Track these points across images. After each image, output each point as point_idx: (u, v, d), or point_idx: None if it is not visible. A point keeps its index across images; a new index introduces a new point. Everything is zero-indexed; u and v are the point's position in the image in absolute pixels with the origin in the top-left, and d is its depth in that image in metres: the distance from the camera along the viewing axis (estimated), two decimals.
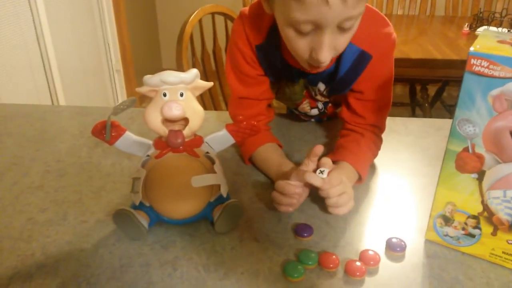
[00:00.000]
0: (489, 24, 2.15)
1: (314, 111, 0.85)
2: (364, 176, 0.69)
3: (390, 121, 0.77)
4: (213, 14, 1.37)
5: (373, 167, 0.75)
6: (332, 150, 0.74)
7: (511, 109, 0.45)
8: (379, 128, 0.76)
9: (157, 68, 3.60)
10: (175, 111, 0.53)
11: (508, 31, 2.06)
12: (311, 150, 0.61)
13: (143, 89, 0.56)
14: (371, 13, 0.69)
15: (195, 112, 0.56)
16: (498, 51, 0.45)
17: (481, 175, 0.50)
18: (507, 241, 0.52)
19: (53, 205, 0.65)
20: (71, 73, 2.23)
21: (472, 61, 0.45)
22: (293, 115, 0.93)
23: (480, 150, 0.49)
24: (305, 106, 0.84)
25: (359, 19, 0.58)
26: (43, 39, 1.98)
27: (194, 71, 0.56)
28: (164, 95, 0.54)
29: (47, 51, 2.02)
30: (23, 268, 0.53)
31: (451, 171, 0.52)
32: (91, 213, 0.63)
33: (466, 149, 0.50)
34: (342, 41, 0.59)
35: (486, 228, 0.53)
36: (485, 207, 0.51)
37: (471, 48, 0.46)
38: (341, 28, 0.57)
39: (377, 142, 0.76)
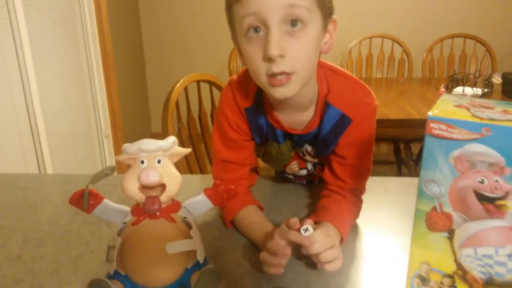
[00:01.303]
0: (464, 85, 2.25)
1: (303, 172, 0.87)
2: (345, 237, 0.69)
3: (369, 181, 0.79)
4: (198, 81, 1.43)
5: (353, 227, 0.76)
6: (314, 211, 0.75)
7: (472, 169, 0.48)
8: (360, 191, 0.78)
9: (146, 133, 3.65)
10: (152, 178, 0.55)
11: (482, 91, 2.16)
12: (288, 222, 0.62)
13: (121, 157, 0.58)
14: (354, 82, 0.74)
15: (172, 178, 0.57)
16: (455, 115, 0.48)
17: (451, 233, 0.51)
18: None
19: (29, 276, 0.64)
20: (59, 139, 2.25)
21: (431, 124, 0.48)
22: (280, 177, 0.95)
23: (448, 209, 0.50)
24: (293, 166, 0.86)
25: (309, 28, 0.61)
26: (31, 105, 2.01)
27: (172, 139, 0.59)
28: (142, 162, 0.56)
29: (35, 117, 2.04)
30: None
31: (422, 230, 0.53)
32: (67, 284, 0.62)
33: (434, 208, 0.51)
34: (294, 47, 0.60)
35: (462, 287, 0.53)
36: (459, 266, 0.52)
37: (430, 113, 0.49)
38: (289, 31, 0.59)
39: (358, 204, 0.77)
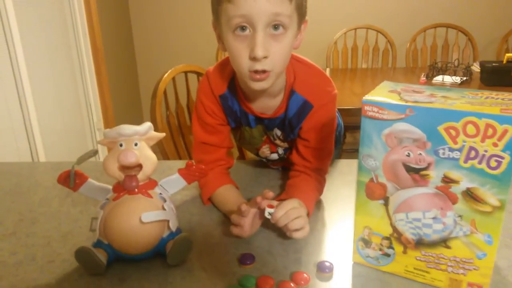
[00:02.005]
0: (444, 73, 2.33)
1: (274, 156, 0.95)
2: (311, 211, 0.78)
3: (336, 163, 0.87)
4: (186, 72, 1.50)
5: (317, 202, 0.84)
6: (282, 189, 0.84)
7: (400, 145, 0.56)
8: (323, 171, 0.86)
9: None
10: (129, 158, 0.63)
11: (461, 79, 2.24)
12: (264, 193, 0.71)
13: (103, 142, 0.65)
14: (317, 71, 0.83)
15: (148, 159, 0.65)
16: (386, 98, 0.56)
17: (386, 200, 0.59)
18: (415, 257, 0.60)
19: (23, 249, 0.71)
20: (52, 133, 2.31)
21: (366, 107, 0.56)
22: (257, 163, 1.03)
23: (383, 179, 0.59)
24: (265, 150, 0.94)
25: (288, 32, 0.70)
26: (24, 100, 2.07)
27: (147, 124, 0.66)
28: (121, 145, 0.64)
29: (28, 112, 2.11)
30: None
31: (363, 199, 0.61)
32: (58, 254, 0.70)
33: (371, 180, 0.59)
34: (276, 49, 0.69)
35: (398, 248, 0.61)
36: (394, 229, 0.60)
37: (364, 97, 0.57)
38: (272, 35, 0.68)
39: (322, 182, 0.86)
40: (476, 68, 2.47)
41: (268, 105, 0.83)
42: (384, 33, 2.90)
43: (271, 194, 0.71)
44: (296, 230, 0.69)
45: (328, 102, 0.82)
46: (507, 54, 2.22)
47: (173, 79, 1.47)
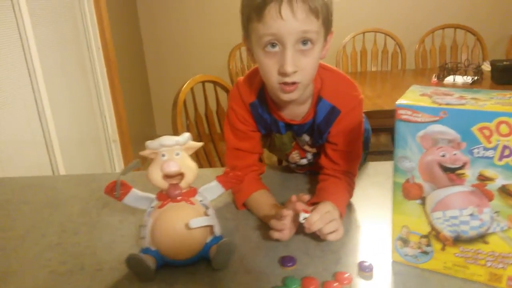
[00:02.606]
0: (455, 74, 2.35)
1: (303, 161, 0.98)
2: (343, 213, 0.80)
3: (362, 166, 0.90)
4: (203, 82, 1.54)
5: (348, 205, 0.86)
6: (313, 194, 0.86)
7: (435, 146, 0.58)
8: (352, 174, 0.89)
9: (151, 135, 3.76)
10: (172, 168, 0.66)
11: (472, 79, 2.26)
12: (299, 195, 0.74)
13: (145, 152, 0.68)
14: (343, 77, 0.87)
15: (189, 168, 0.68)
16: (418, 101, 0.59)
17: (423, 200, 0.62)
18: (454, 254, 0.63)
19: (71, 258, 0.74)
20: (70, 146, 2.36)
21: (399, 111, 0.59)
22: (283, 168, 1.06)
23: (419, 180, 0.61)
24: (294, 156, 0.97)
25: (315, 46, 0.73)
26: (44, 116, 2.13)
27: (187, 135, 0.69)
28: (163, 155, 0.67)
29: (48, 126, 2.16)
30: None
31: (400, 199, 0.64)
32: (105, 262, 0.73)
33: (407, 180, 0.62)
34: (305, 63, 0.73)
35: (436, 245, 0.63)
36: (432, 227, 0.63)
37: (397, 101, 0.59)
38: (300, 50, 0.72)
39: (351, 185, 0.88)
40: (486, 67, 2.48)
41: (297, 112, 0.86)
42: (393, 35, 2.92)
43: (306, 197, 0.74)
44: (331, 233, 0.71)
45: (355, 107, 0.84)
46: None
47: (192, 89, 1.51)
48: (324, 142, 0.88)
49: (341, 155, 0.86)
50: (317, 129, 0.86)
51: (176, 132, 1.42)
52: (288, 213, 0.73)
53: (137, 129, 3.36)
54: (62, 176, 1.12)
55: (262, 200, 0.85)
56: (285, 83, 0.74)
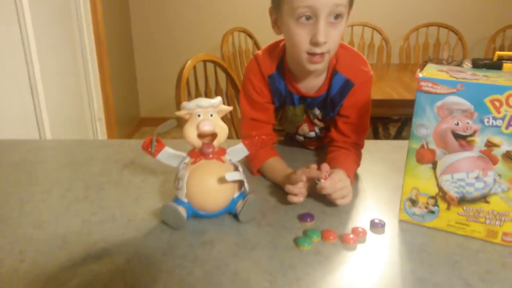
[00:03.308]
0: None
1: (312, 134, 1.05)
2: (352, 181, 0.88)
3: (365, 143, 0.97)
4: (205, 61, 1.58)
5: (355, 175, 0.94)
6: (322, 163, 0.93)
7: (450, 115, 0.66)
8: (360, 146, 0.96)
9: (135, 117, 3.76)
10: (207, 127, 0.71)
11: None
12: (322, 165, 0.79)
13: (181, 113, 0.73)
14: (356, 54, 0.94)
15: (222, 128, 0.73)
16: (438, 76, 0.66)
17: (434, 164, 0.70)
18: (457, 213, 0.71)
19: (101, 210, 0.79)
20: (58, 122, 2.36)
21: (421, 83, 0.66)
22: (292, 143, 1.12)
23: (432, 146, 0.69)
24: (304, 128, 1.03)
25: (344, 18, 0.80)
26: (36, 91, 2.13)
27: (219, 98, 0.75)
28: (199, 115, 0.72)
29: (39, 101, 2.16)
30: (90, 253, 0.67)
31: (413, 164, 0.71)
32: (135, 214, 0.78)
33: (422, 146, 0.69)
34: (333, 35, 0.80)
35: (442, 205, 0.71)
36: (440, 189, 0.71)
37: (420, 75, 0.66)
38: (331, 22, 0.78)
39: (359, 156, 0.96)
40: (467, 65, 2.61)
41: (313, 85, 0.92)
42: (380, 30, 3.03)
43: (328, 167, 0.80)
44: (340, 198, 0.78)
45: (367, 81, 0.92)
46: (497, 52, 2.36)
47: (194, 67, 1.55)
48: (335, 115, 0.95)
49: (351, 128, 0.93)
50: (330, 102, 0.93)
51: (179, 108, 1.46)
52: (302, 178, 0.78)
53: (122, 109, 3.35)
54: (75, 140, 1.14)
55: (276, 165, 0.91)
56: (314, 54, 0.80)
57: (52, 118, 2.26)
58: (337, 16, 0.79)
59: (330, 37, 0.79)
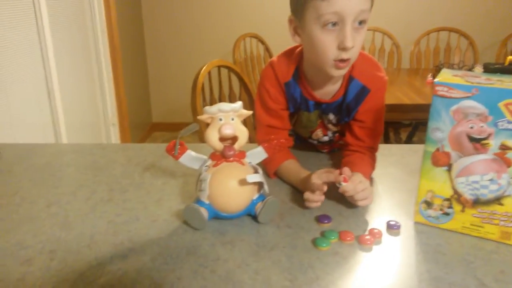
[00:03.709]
0: None
1: (325, 138, 1.07)
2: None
3: (379, 147, 1.00)
4: (219, 67, 1.61)
5: (370, 178, 0.96)
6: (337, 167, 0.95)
7: (465, 119, 0.68)
8: (374, 149, 0.98)
9: (148, 123, 3.80)
10: (229, 130, 0.74)
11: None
12: (344, 170, 0.80)
13: (203, 117, 0.76)
14: (370, 59, 0.96)
15: (242, 132, 0.76)
16: (453, 80, 0.68)
17: (449, 167, 0.71)
18: (472, 215, 0.72)
19: (125, 211, 0.82)
20: (73, 127, 2.41)
21: (437, 87, 0.68)
22: (306, 146, 1.14)
23: (447, 149, 0.71)
24: (318, 133, 1.06)
25: (366, 22, 0.82)
26: (54, 99, 2.18)
27: (240, 103, 0.77)
28: (220, 119, 0.75)
29: (56, 107, 2.21)
30: (117, 252, 0.69)
31: (429, 167, 0.73)
32: (158, 215, 0.80)
33: (437, 149, 0.71)
34: (358, 40, 0.81)
35: (457, 207, 0.73)
36: (455, 191, 0.72)
37: (436, 79, 0.69)
38: (356, 28, 0.80)
39: (374, 159, 0.98)
40: (478, 69, 2.61)
41: (328, 91, 0.95)
42: (390, 35, 3.04)
43: (349, 171, 0.81)
44: (362, 200, 0.80)
45: (382, 87, 0.94)
46: (509, 57, 2.37)
47: (209, 73, 1.58)
48: (349, 120, 0.97)
49: (366, 132, 0.95)
50: (346, 107, 0.95)
51: (194, 111, 1.50)
52: (323, 188, 0.79)
53: (135, 114, 3.40)
54: (95, 144, 1.18)
55: (292, 168, 0.93)
56: (341, 60, 0.82)
57: (68, 123, 2.31)
58: (361, 22, 0.81)
59: (356, 42, 0.81)
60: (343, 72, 0.85)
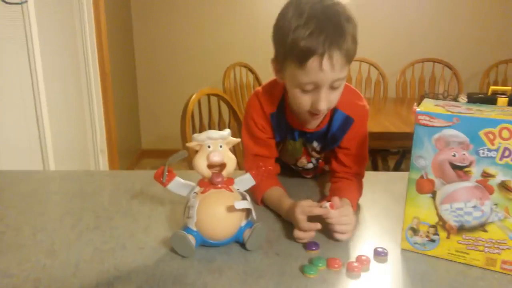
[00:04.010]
0: None
1: (310, 165, 1.08)
2: (355, 209, 0.91)
3: (365, 174, 1.01)
4: (208, 95, 1.64)
5: (358, 203, 0.97)
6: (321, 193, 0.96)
7: (447, 147, 0.70)
8: (361, 175, 1.00)
9: (137, 150, 3.79)
10: (217, 158, 0.75)
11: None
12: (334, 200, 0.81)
13: (192, 144, 0.77)
14: (352, 89, 0.98)
15: (231, 159, 0.77)
16: (435, 110, 0.70)
17: (434, 194, 0.73)
18: (457, 241, 0.73)
19: (111, 239, 0.81)
20: (61, 153, 2.39)
21: (419, 117, 0.70)
22: (293, 174, 1.15)
23: (431, 176, 0.72)
24: (303, 160, 1.07)
25: (343, 81, 0.85)
26: (42, 125, 2.17)
27: (228, 130, 0.79)
28: (209, 146, 0.76)
29: (44, 133, 2.20)
30: (102, 280, 0.69)
31: (413, 194, 0.74)
32: (145, 243, 0.80)
33: (421, 177, 0.73)
34: (333, 97, 0.85)
35: (442, 234, 0.74)
36: (440, 218, 0.74)
37: (418, 109, 0.71)
38: (332, 87, 0.83)
39: (361, 185, 0.99)
40: (462, 99, 2.68)
41: (313, 122, 0.96)
42: (376, 65, 3.11)
43: (338, 201, 0.82)
44: (342, 233, 0.80)
45: (365, 115, 0.96)
46: (492, 87, 2.43)
47: (199, 101, 1.60)
48: (334, 147, 0.99)
49: (352, 159, 0.97)
50: (331, 137, 0.97)
51: (184, 141, 1.50)
52: (316, 227, 0.78)
53: (124, 141, 3.40)
54: (85, 171, 1.17)
55: (276, 196, 0.93)
56: (316, 114, 0.86)
57: (56, 149, 2.29)
58: (335, 87, 0.84)
59: (331, 100, 0.85)
60: (320, 120, 0.89)
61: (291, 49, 0.81)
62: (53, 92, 2.27)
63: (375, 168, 3.03)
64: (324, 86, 0.81)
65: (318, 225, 0.79)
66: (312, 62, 0.79)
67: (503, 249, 0.70)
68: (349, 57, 0.81)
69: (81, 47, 2.71)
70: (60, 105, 2.41)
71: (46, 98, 2.17)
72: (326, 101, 0.83)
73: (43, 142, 2.21)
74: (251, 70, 3.03)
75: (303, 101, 0.85)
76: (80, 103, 2.74)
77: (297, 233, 0.80)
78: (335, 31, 0.78)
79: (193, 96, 1.55)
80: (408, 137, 0.73)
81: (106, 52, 2.90)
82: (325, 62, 0.78)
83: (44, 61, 2.14)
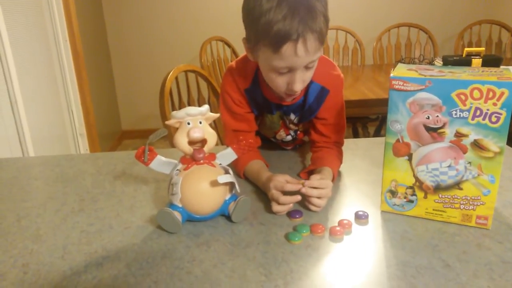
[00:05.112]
0: None
1: (288, 137, 1.09)
2: (336, 176, 0.93)
3: (345, 142, 1.03)
4: (186, 71, 1.62)
5: (338, 171, 0.99)
6: (302, 164, 0.98)
7: (421, 110, 0.71)
8: (340, 144, 1.02)
9: (117, 131, 3.75)
10: (198, 134, 0.75)
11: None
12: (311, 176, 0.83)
13: (171, 122, 0.77)
14: (325, 60, 0.98)
15: (211, 134, 0.77)
16: (408, 74, 0.72)
17: (410, 156, 0.75)
18: (434, 200, 0.76)
19: (97, 220, 0.82)
20: (40, 140, 2.36)
21: (393, 82, 0.72)
22: (272, 145, 1.16)
23: (407, 139, 0.74)
24: (281, 133, 1.08)
25: (317, 60, 0.84)
26: (17, 112, 2.13)
27: (207, 106, 0.79)
28: (188, 123, 0.76)
29: (21, 120, 2.16)
30: (91, 261, 0.69)
31: (390, 157, 0.77)
32: (131, 222, 0.81)
33: (398, 140, 0.75)
34: (308, 76, 0.85)
35: (420, 194, 0.77)
36: (416, 179, 0.76)
37: (391, 74, 0.72)
38: (307, 67, 0.83)
39: (341, 153, 1.01)
40: (438, 62, 2.71)
41: (289, 98, 0.97)
42: (353, 33, 3.11)
43: (317, 179, 0.83)
44: (315, 206, 0.81)
45: (339, 84, 0.97)
46: (466, 48, 2.47)
47: (176, 78, 1.59)
48: (311, 118, 1.00)
49: (330, 129, 0.98)
50: (308, 108, 0.98)
51: (164, 119, 1.50)
52: (293, 200, 0.80)
53: (103, 123, 3.35)
54: (65, 155, 1.16)
55: (255, 169, 0.94)
56: (291, 94, 0.87)
57: (34, 135, 2.26)
58: (310, 67, 0.84)
59: (305, 78, 0.85)
60: (295, 96, 0.90)
61: (264, 33, 0.79)
62: (25, 77, 2.22)
63: (355, 135, 3.07)
64: (299, 68, 0.82)
65: (296, 198, 0.80)
66: (287, 48, 0.77)
67: (477, 205, 0.73)
68: (322, 38, 0.81)
69: (51, 28, 2.64)
70: (34, 90, 2.36)
71: (19, 83, 2.12)
72: (301, 81, 0.84)
73: (20, 129, 2.17)
74: (227, 44, 3.00)
75: (278, 82, 0.85)
76: (54, 87, 2.68)
77: (274, 207, 0.81)
78: (307, 12, 0.76)
79: (170, 74, 1.53)
80: (386, 103, 0.74)
81: (77, 33, 2.82)
82: (300, 46, 0.77)
83: (13, 46, 2.08)
